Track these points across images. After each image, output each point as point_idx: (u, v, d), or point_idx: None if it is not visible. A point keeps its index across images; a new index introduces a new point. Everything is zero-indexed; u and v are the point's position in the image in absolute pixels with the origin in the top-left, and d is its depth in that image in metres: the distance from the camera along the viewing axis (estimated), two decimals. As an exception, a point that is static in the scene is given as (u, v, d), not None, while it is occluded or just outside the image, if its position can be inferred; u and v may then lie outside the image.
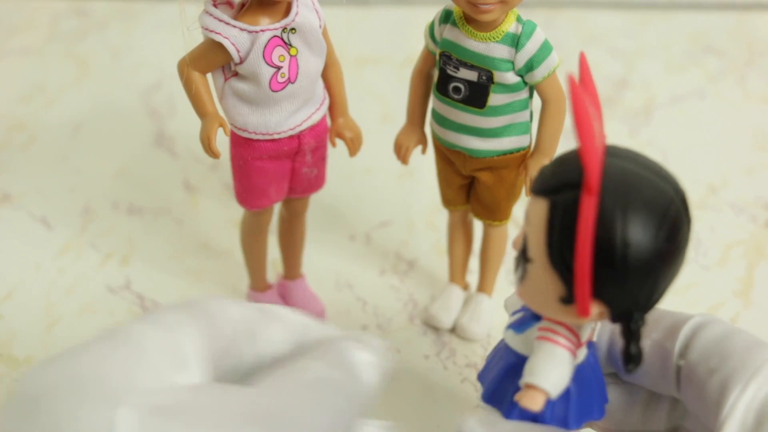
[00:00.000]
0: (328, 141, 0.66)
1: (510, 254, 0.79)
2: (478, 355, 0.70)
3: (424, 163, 0.76)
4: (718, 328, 0.45)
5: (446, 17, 0.61)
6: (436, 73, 0.63)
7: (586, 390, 0.47)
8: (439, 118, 0.64)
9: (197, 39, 0.59)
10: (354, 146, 0.67)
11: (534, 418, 0.46)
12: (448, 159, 0.66)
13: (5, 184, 0.88)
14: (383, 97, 1.00)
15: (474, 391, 0.67)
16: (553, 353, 0.45)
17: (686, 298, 0.75)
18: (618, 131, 0.95)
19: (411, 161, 0.68)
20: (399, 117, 0.69)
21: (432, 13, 0.63)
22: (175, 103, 0.99)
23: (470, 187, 0.68)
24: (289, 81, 0.59)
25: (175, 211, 0.85)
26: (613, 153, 0.42)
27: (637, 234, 0.40)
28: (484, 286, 0.73)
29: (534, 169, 0.62)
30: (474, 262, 0.76)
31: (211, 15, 0.58)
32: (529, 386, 0.44)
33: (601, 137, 0.42)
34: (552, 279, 0.42)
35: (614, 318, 0.43)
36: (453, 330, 0.72)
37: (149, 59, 1.07)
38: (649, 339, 0.47)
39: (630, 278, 0.41)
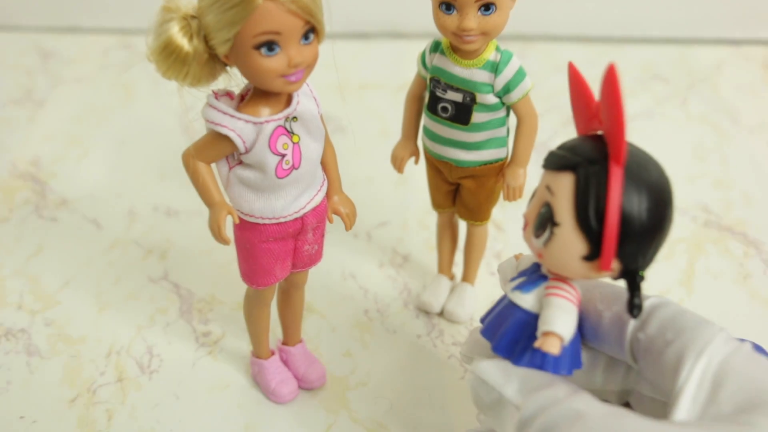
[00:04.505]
0: (326, 218, 0.59)
1: (490, 249, 0.78)
2: (463, 334, 0.69)
3: (417, 172, 0.75)
4: (672, 307, 0.45)
5: (435, 47, 0.60)
6: (426, 95, 0.62)
7: (575, 342, 0.47)
8: (429, 134, 0.63)
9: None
10: (350, 221, 0.59)
11: (539, 366, 0.46)
12: (437, 168, 0.65)
13: (63, 191, 0.88)
14: (382, 117, 1.00)
15: (459, 365, 0.66)
16: (562, 306, 0.45)
17: (638, 286, 0.74)
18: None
19: (405, 170, 0.67)
20: (395, 133, 0.68)
21: (423, 45, 0.62)
22: (204, 122, 0.98)
23: (456, 192, 0.67)
24: (293, 167, 0.52)
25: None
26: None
27: (652, 203, 0.42)
28: (467, 276, 0.72)
29: (510, 177, 0.62)
30: (459, 257, 0.75)
31: (215, 108, 0.51)
32: (547, 333, 0.44)
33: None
34: (578, 239, 0.43)
35: (624, 273, 0.43)
36: (441, 314, 0.71)
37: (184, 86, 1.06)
38: (609, 311, 0.47)
39: (644, 240, 0.42)
